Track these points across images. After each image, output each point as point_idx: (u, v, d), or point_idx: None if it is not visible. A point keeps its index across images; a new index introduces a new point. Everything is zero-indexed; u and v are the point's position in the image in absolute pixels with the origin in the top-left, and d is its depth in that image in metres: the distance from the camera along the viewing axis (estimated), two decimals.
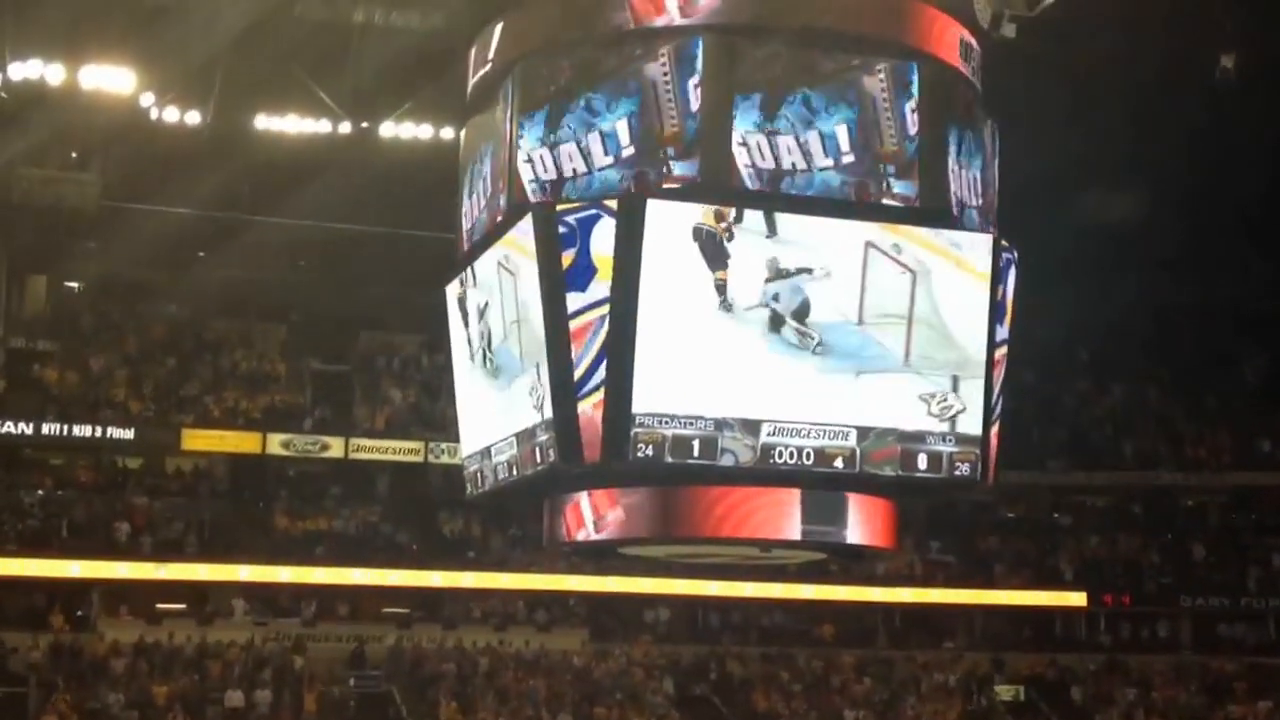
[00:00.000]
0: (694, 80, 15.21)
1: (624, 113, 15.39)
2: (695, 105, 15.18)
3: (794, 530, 16.11)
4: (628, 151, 15.35)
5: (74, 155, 40.82)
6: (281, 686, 38.89)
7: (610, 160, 15.45)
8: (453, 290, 18.10)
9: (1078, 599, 46.99)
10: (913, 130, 15.57)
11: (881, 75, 15.63)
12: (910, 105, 15.58)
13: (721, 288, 15.05)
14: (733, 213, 15.02)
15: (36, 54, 34.92)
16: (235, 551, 41.32)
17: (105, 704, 36.60)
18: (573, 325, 14.94)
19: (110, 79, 35.60)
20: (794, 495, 16.01)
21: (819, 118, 15.51)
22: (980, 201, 16.77)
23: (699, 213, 14.95)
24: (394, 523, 44.20)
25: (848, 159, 15.53)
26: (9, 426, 40.91)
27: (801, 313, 15.30)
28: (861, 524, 16.55)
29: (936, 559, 47.28)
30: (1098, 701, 44.76)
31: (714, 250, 15.06)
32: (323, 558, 41.84)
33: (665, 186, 15.17)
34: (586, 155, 15.54)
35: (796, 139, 15.42)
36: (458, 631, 42.83)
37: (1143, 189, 38.74)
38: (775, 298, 15.24)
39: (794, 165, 15.43)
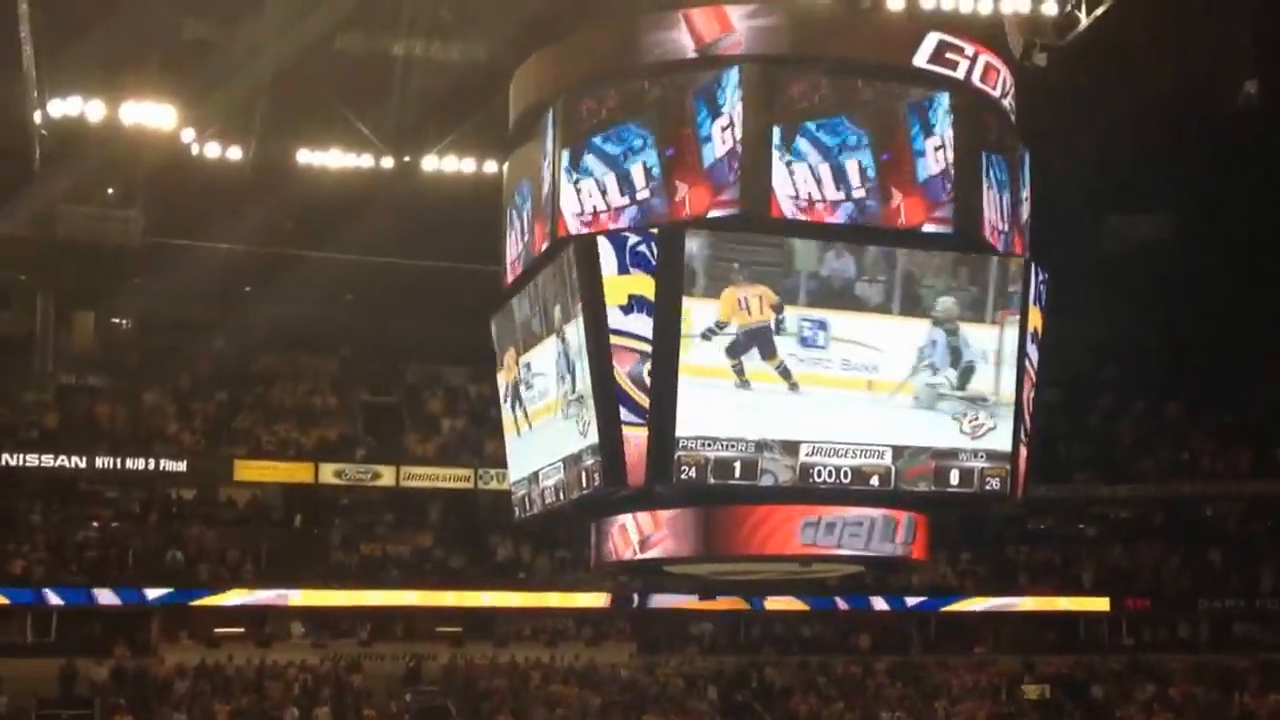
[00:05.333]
0: (734, 108, 15.22)
1: (665, 142, 15.39)
2: (735, 135, 15.19)
3: (831, 545, 16.10)
4: (669, 180, 15.35)
5: (116, 192, 40.30)
6: (340, 704, 38.90)
7: (650, 191, 15.46)
8: (496, 322, 18.16)
9: (1100, 604, 47.65)
10: (946, 159, 15.56)
11: (913, 104, 15.62)
12: (944, 134, 15.56)
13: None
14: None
15: (76, 90, 34.63)
16: (291, 577, 41.29)
17: None
18: (616, 352, 14.98)
19: (151, 115, 35.15)
20: (832, 512, 16.00)
21: (849, 147, 15.50)
22: (1013, 226, 16.75)
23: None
24: (446, 547, 44.24)
25: (879, 187, 15.53)
26: (63, 460, 40.89)
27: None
28: (896, 537, 16.54)
29: (967, 569, 47.41)
30: (1119, 699, 44.99)
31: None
32: (378, 581, 41.79)
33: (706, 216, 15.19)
34: (629, 186, 15.54)
35: (829, 168, 15.42)
36: (509, 648, 42.83)
37: (1168, 212, 38.65)
38: None
39: (826, 195, 15.43)
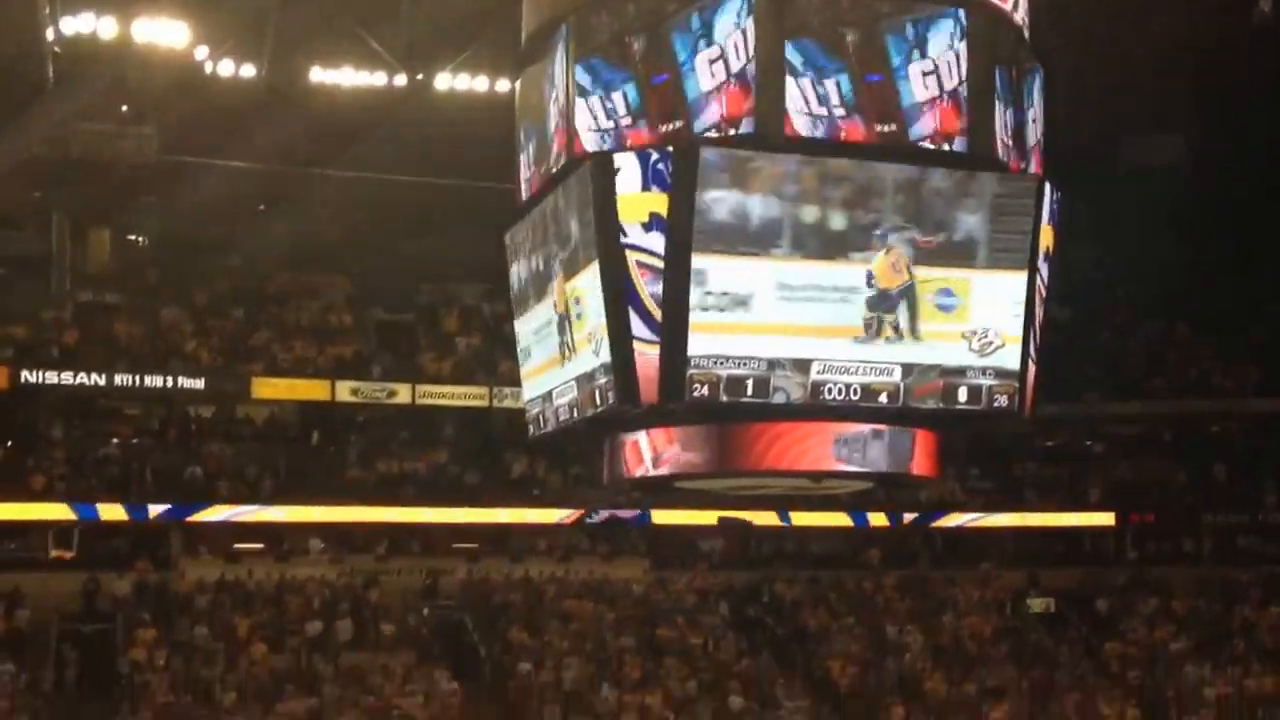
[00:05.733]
0: (744, 23, 15.16)
1: (681, 57, 15.35)
2: (749, 49, 15.15)
3: (842, 461, 16.22)
4: (688, 94, 15.31)
5: (130, 110, 40.07)
6: (359, 618, 39.28)
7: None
8: (510, 238, 18.17)
9: (1106, 519, 47.95)
10: (960, 75, 15.51)
11: (925, 21, 15.55)
12: (956, 50, 15.51)
13: None
14: None
15: (88, 7, 34.37)
16: (309, 494, 41.57)
17: (191, 636, 37.06)
18: (639, 270, 15.00)
19: (164, 32, 34.92)
20: (843, 429, 16.12)
21: (865, 62, 15.44)
22: (1026, 145, 16.72)
23: None
24: (461, 464, 44.47)
25: (894, 103, 15.50)
26: (82, 378, 41.05)
27: None
28: (905, 454, 16.65)
29: (975, 485, 47.72)
30: (1122, 612, 45.51)
31: None
32: (394, 498, 42.07)
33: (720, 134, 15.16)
34: (643, 102, 15.49)
35: (842, 83, 15.38)
36: (524, 564, 43.14)
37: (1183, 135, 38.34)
38: None
39: (837, 110, 15.40)
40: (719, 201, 14.83)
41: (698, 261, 14.84)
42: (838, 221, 15.22)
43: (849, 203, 15.21)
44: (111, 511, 39.55)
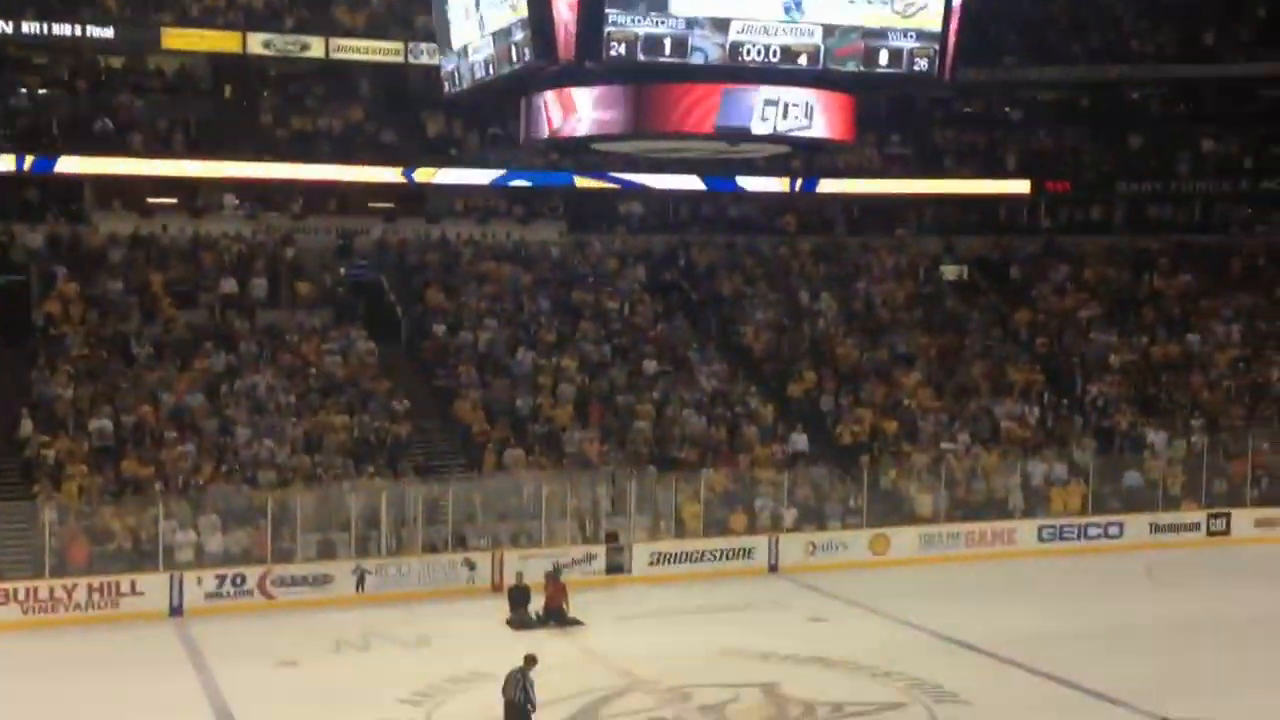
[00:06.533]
0: None
1: None
2: None
3: (760, 124, 16.08)
4: None
5: None
6: (274, 275, 39.13)
7: None
8: None
9: (1021, 186, 47.84)
10: None
11: None
12: None
13: None
14: None
15: None
16: (223, 149, 40.78)
17: (105, 290, 36.84)
18: None
19: None
20: (760, 90, 15.92)
21: None
22: None
23: None
24: (378, 121, 43.71)
25: None
26: None
27: None
28: (823, 118, 16.52)
29: (894, 152, 47.54)
30: (1034, 279, 46.09)
31: None
32: (309, 155, 41.32)
33: None
34: None
35: None
36: (441, 225, 42.95)
37: None
38: None
39: None
40: None
41: None
42: None
43: None
44: (19, 162, 38.64)
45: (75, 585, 27.90)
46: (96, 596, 27.97)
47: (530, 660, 19.52)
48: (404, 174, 41.85)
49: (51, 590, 27.75)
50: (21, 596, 27.57)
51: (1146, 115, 50.95)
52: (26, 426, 31.77)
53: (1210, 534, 36.15)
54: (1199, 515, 36.30)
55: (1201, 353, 42.75)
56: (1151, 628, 26.71)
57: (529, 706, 18.99)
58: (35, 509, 28.96)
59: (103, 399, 32.96)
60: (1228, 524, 36.30)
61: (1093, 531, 35.34)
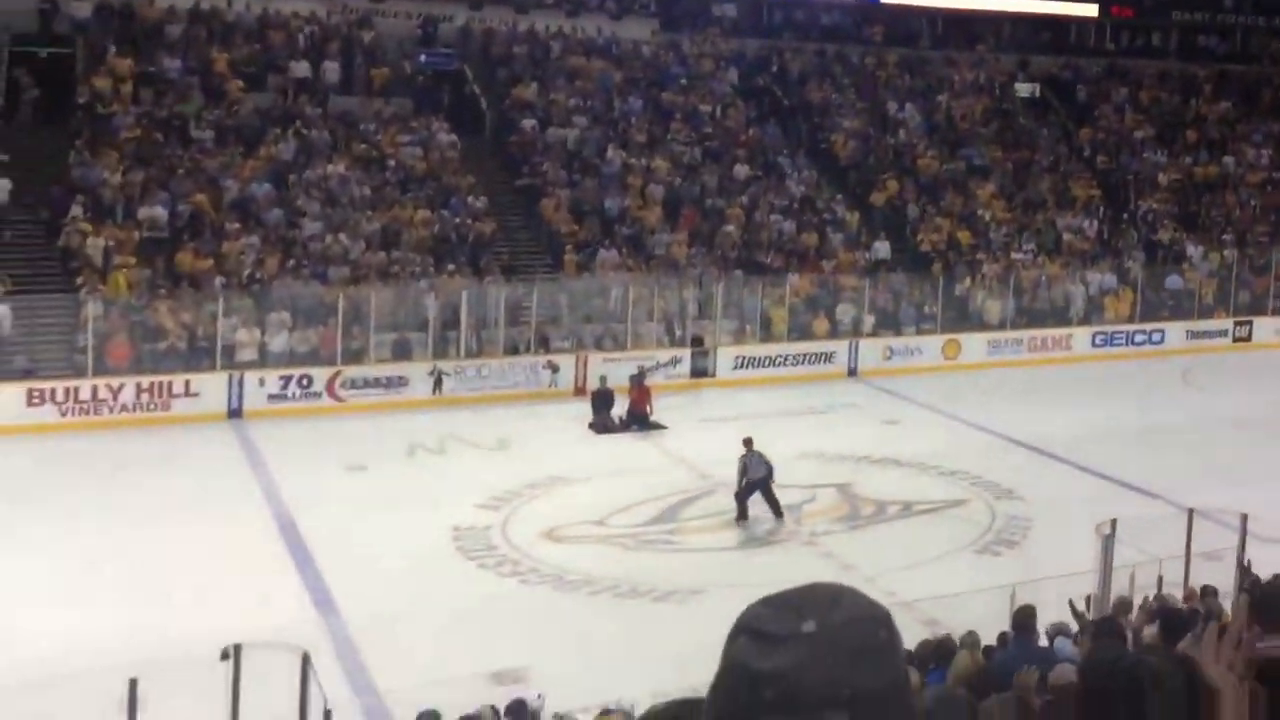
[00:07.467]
0: None
1: None
2: None
3: None
4: None
5: None
6: (349, 60, 35.64)
7: None
8: None
9: (1090, 10, 49.82)
10: None
11: None
12: None
13: None
14: None
15: None
16: None
17: (162, 68, 33.10)
18: None
19: None
20: None
21: None
22: None
23: None
24: None
25: None
26: None
27: None
28: None
29: None
30: (1097, 100, 46.72)
31: None
32: None
33: None
34: None
35: None
36: (530, 16, 39.59)
37: None
38: None
39: None
40: None
41: None
42: None
43: None
44: None
45: (122, 385, 25.17)
46: (145, 397, 25.32)
47: (748, 441, 20.75)
48: None
49: (95, 390, 24.95)
50: (60, 397, 24.70)
51: None
52: (75, 212, 28.24)
53: (1235, 340, 38.57)
54: (1227, 322, 38.89)
55: (1235, 174, 44.64)
56: (1184, 426, 27.89)
57: (770, 480, 20.56)
58: (77, 302, 26.12)
59: (156, 185, 29.63)
60: (1250, 331, 38.82)
61: (1138, 338, 37.29)
